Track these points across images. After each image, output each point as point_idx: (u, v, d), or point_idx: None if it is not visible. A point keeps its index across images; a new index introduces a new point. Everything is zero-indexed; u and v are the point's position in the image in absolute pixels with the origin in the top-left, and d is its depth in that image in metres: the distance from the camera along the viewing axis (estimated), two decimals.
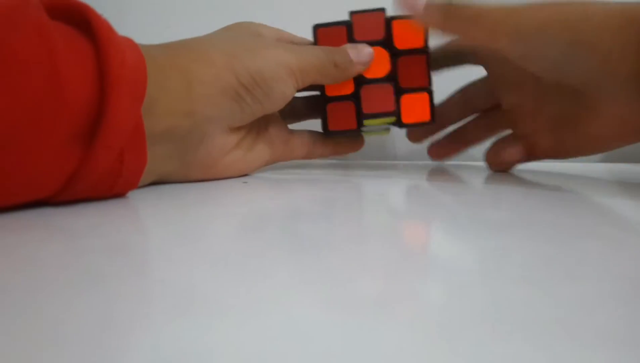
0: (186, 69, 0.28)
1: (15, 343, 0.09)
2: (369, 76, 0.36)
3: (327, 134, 0.36)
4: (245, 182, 0.31)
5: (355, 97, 0.36)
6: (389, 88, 0.36)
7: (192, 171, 0.30)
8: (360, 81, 0.36)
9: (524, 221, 0.22)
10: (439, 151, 0.41)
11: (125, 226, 0.20)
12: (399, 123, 0.36)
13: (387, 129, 0.41)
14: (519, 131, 0.37)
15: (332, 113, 0.36)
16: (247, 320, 0.11)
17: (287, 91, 0.32)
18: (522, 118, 0.36)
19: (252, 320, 0.11)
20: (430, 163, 0.44)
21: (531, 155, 0.37)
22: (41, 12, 0.20)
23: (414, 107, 0.36)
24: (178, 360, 0.09)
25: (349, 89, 0.36)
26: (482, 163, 0.46)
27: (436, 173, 0.39)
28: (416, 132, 0.41)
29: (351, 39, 0.36)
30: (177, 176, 0.30)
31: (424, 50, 0.36)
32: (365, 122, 0.36)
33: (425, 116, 0.36)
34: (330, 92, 0.36)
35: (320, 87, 0.36)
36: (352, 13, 0.36)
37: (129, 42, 0.24)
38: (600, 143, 0.34)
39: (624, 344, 0.10)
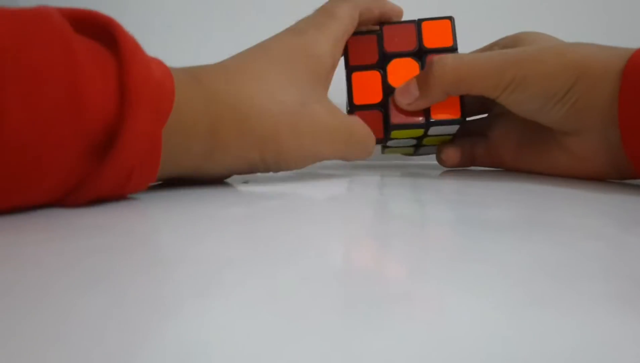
0: (217, 129, 0.27)
1: (18, 344, 0.09)
2: (397, 85, 0.36)
3: (352, 110, 0.36)
4: (246, 182, 0.31)
5: (383, 106, 0.36)
6: (414, 63, 0.36)
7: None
8: (389, 90, 0.36)
9: (525, 221, 0.22)
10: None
11: (127, 226, 0.20)
12: (427, 121, 0.36)
13: (412, 147, 0.41)
14: (490, 139, 0.40)
15: (357, 84, 0.36)
16: (252, 319, 0.11)
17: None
18: (499, 129, 0.39)
19: (257, 319, 0.11)
20: (423, 161, 0.44)
21: (490, 163, 0.41)
22: (65, 24, 0.20)
23: (444, 104, 0.36)
24: (182, 359, 0.09)
25: (377, 98, 0.36)
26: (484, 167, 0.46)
27: (436, 173, 0.39)
28: (450, 158, 0.41)
29: (381, 49, 0.36)
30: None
31: (452, 48, 0.37)
32: (393, 134, 0.36)
33: (456, 113, 0.36)
34: (357, 100, 0.36)
35: (348, 94, 0.37)
36: (383, 25, 0.37)
37: (156, 61, 0.23)
38: (563, 173, 0.36)
39: (625, 345, 0.10)
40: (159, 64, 0.23)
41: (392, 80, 0.36)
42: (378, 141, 0.36)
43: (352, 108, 0.37)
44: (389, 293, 0.13)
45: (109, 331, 0.10)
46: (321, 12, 0.34)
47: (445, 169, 0.43)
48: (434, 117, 0.36)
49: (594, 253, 0.16)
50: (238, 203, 0.25)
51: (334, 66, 0.34)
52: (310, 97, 0.31)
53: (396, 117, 0.36)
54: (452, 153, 0.41)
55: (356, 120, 0.34)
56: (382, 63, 0.37)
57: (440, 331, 0.10)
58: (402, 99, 0.36)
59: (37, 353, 0.09)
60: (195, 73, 0.28)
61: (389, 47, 0.36)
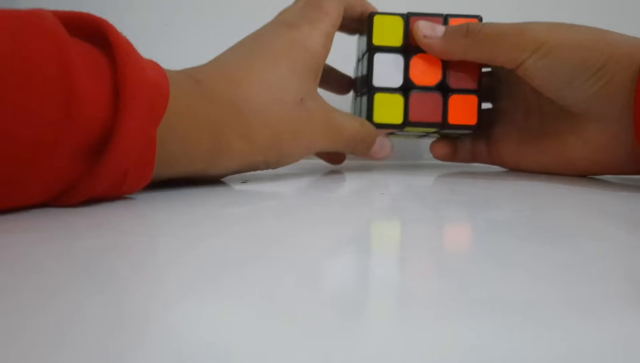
0: (222, 135, 0.27)
1: (17, 345, 0.09)
2: (419, 83, 0.36)
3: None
4: (245, 182, 0.31)
5: (405, 90, 0.36)
6: (437, 98, 0.36)
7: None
8: (410, 85, 0.36)
9: (526, 221, 0.21)
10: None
11: (124, 226, 0.20)
12: (444, 123, 0.36)
13: (417, 137, 0.42)
14: (490, 137, 0.40)
15: (379, 105, 0.36)
16: (251, 319, 0.11)
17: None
18: (500, 126, 0.39)
19: (256, 319, 0.11)
20: (422, 162, 0.44)
21: (490, 161, 0.40)
22: (58, 27, 0.20)
23: (462, 109, 0.36)
24: (181, 359, 0.09)
25: (399, 81, 0.36)
26: (482, 164, 0.46)
27: (436, 173, 0.39)
28: (440, 151, 0.41)
29: (407, 37, 0.36)
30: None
31: None
32: (407, 129, 0.37)
33: (472, 119, 0.36)
34: (377, 83, 0.36)
35: (368, 76, 0.36)
36: (410, 14, 0.36)
37: (151, 62, 0.23)
38: (573, 167, 0.35)
39: (627, 345, 0.10)
40: (154, 65, 0.23)
41: (414, 75, 0.36)
42: (396, 127, 0.36)
43: (372, 89, 0.36)
44: (388, 293, 0.13)
45: (108, 331, 0.10)
46: (310, 6, 0.33)
47: (443, 165, 0.43)
48: (452, 121, 0.36)
49: (597, 253, 0.16)
50: (237, 203, 0.25)
51: (324, 61, 0.34)
52: (307, 93, 0.31)
53: (415, 115, 0.36)
54: (441, 147, 0.41)
55: (348, 118, 0.34)
56: (406, 51, 0.36)
57: (443, 331, 0.10)
58: (423, 29, 0.35)
59: (36, 353, 0.09)
60: (193, 74, 0.27)
61: (415, 42, 0.36)
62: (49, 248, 0.16)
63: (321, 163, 0.44)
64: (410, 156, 0.51)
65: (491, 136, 0.40)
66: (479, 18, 0.36)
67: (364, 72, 0.37)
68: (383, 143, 0.37)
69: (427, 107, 0.36)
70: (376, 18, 0.35)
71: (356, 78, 0.41)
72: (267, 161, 0.30)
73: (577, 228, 0.20)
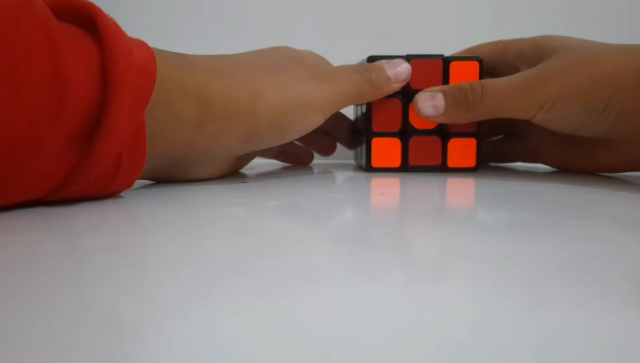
0: (207, 101, 0.27)
1: (14, 345, 0.09)
2: (418, 127, 0.36)
3: (368, 170, 0.37)
4: (245, 182, 0.31)
5: (401, 135, 0.36)
6: (436, 141, 0.36)
7: (184, 176, 0.30)
8: (409, 130, 0.36)
9: (526, 221, 0.21)
10: None
11: (124, 226, 0.20)
12: (443, 166, 0.37)
13: None
14: (528, 139, 0.41)
15: (377, 149, 0.36)
16: (247, 320, 0.11)
17: (310, 126, 0.32)
18: (537, 130, 0.38)
19: (253, 320, 0.11)
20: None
21: (527, 160, 0.42)
22: (46, 12, 0.20)
23: (461, 152, 0.37)
24: (180, 359, 0.09)
25: (396, 126, 0.36)
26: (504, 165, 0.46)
27: (435, 173, 0.39)
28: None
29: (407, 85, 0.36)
30: (169, 178, 0.30)
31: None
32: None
33: (471, 162, 0.37)
34: (377, 128, 0.36)
35: (366, 122, 0.36)
36: (410, 57, 0.36)
37: (139, 43, 0.23)
38: (604, 170, 0.37)
39: (628, 347, 0.10)
40: (142, 45, 0.23)
41: (413, 119, 0.36)
42: (394, 169, 0.37)
43: (370, 134, 0.36)
44: (389, 294, 0.12)
45: (108, 331, 0.10)
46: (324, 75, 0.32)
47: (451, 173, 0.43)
48: (451, 165, 0.37)
49: (598, 253, 0.16)
50: (236, 203, 0.25)
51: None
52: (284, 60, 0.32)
53: (415, 159, 0.36)
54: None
55: (341, 69, 0.34)
56: (405, 94, 0.36)
57: (446, 332, 0.10)
58: (424, 109, 0.35)
59: (36, 353, 0.09)
60: (182, 54, 0.28)
61: (414, 85, 0.36)
62: (49, 248, 0.16)
63: (321, 164, 0.44)
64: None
65: (528, 138, 0.41)
66: (480, 61, 0.36)
67: (362, 114, 0.37)
68: (391, 64, 0.35)
69: (426, 150, 0.36)
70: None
71: (356, 118, 0.41)
72: (257, 124, 0.28)
73: (577, 228, 0.20)
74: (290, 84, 0.30)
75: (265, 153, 0.40)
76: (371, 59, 0.35)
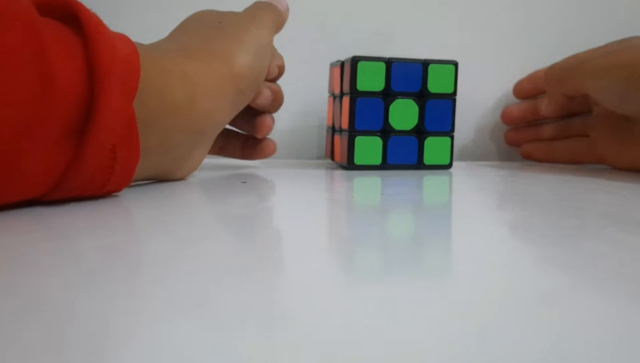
0: (191, 80, 0.28)
1: (16, 345, 0.09)
2: (397, 127, 0.39)
3: (350, 167, 0.39)
4: (244, 182, 0.31)
5: (382, 133, 0.39)
6: (414, 140, 0.39)
7: (178, 173, 0.30)
8: (389, 130, 0.39)
9: (526, 221, 0.21)
10: (515, 137, 0.50)
11: (122, 226, 0.20)
12: (419, 164, 0.40)
13: None
14: (592, 138, 0.45)
15: (359, 147, 0.38)
16: (244, 321, 0.11)
17: (268, 63, 0.33)
18: (600, 128, 0.44)
19: (250, 321, 0.11)
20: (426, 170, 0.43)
21: (591, 161, 0.45)
22: (31, 8, 0.20)
23: (436, 150, 0.40)
24: (180, 359, 0.09)
25: (377, 126, 0.38)
26: (482, 163, 0.46)
27: (435, 173, 0.39)
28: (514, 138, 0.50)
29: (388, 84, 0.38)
30: (165, 177, 0.30)
31: (451, 95, 0.39)
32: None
33: (446, 159, 0.40)
34: (360, 127, 0.38)
35: (350, 118, 0.38)
36: (392, 60, 0.38)
37: (121, 36, 0.23)
38: None
39: (630, 348, 0.10)
40: (124, 40, 0.23)
41: (393, 119, 0.38)
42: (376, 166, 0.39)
43: (353, 133, 0.38)
44: (389, 294, 0.12)
45: (107, 331, 0.10)
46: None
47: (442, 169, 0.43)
48: (427, 162, 0.39)
49: (597, 253, 0.16)
50: (236, 203, 0.25)
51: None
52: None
53: (393, 157, 0.39)
54: (535, 149, 0.48)
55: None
56: (386, 95, 0.38)
57: (450, 330, 0.10)
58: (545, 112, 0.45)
59: (35, 353, 0.09)
60: (149, 44, 0.29)
61: (396, 87, 0.38)
62: (49, 248, 0.16)
63: (320, 164, 0.44)
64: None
65: (592, 138, 0.44)
66: (455, 65, 0.39)
67: (342, 114, 0.39)
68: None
69: (404, 149, 0.39)
70: (360, 64, 0.37)
71: (334, 118, 0.43)
72: (239, 86, 0.30)
73: (578, 228, 0.20)
74: (244, 36, 0.32)
75: (228, 151, 0.40)
76: (355, 60, 0.37)
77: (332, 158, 0.42)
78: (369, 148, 0.38)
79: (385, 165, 0.39)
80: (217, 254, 0.16)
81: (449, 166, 0.40)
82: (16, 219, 0.20)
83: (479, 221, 0.22)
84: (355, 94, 0.38)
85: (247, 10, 0.35)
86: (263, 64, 0.33)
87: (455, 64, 0.39)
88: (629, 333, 0.10)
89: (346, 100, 0.38)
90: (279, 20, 0.36)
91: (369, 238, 0.18)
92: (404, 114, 0.38)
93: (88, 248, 0.16)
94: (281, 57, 0.37)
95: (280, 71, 0.37)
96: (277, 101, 0.37)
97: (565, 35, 0.51)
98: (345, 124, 0.38)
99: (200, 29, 0.33)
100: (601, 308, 0.12)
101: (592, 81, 0.39)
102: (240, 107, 0.32)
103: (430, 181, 0.35)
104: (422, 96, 0.39)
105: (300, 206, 0.25)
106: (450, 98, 0.39)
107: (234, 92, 0.30)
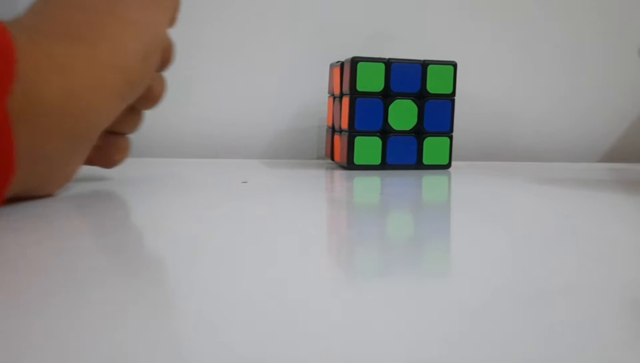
0: (67, 70, 0.22)
1: (16, 345, 0.09)
2: (396, 127, 0.39)
3: (349, 167, 0.39)
4: (245, 182, 0.31)
5: (382, 134, 0.39)
6: (413, 141, 0.39)
7: (47, 187, 0.24)
8: (388, 130, 0.39)
9: (526, 221, 0.21)
10: None
11: (120, 227, 0.20)
12: (418, 164, 0.40)
13: None
14: None
15: (359, 147, 0.38)
16: (244, 321, 0.11)
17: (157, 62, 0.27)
18: None
19: (249, 321, 0.11)
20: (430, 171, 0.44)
21: None
22: None
23: (435, 151, 0.40)
24: (181, 359, 0.09)
25: (376, 126, 0.38)
26: (482, 163, 0.46)
27: (433, 174, 0.39)
28: None
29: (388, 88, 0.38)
30: (31, 192, 0.23)
31: (450, 95, 0.39)
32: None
33: (445, 159, 0.40)
34: (359, 127, 0.38)
35: (350, 119, 0.38)
36: (391, 61, 0.38)
37: None
38: None
39: (631, 349, 0.10)
40: None
41: (392, 120, 0.38)
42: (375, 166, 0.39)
43: (352, 133, 0.38)
44: (389, 294, 0.13)
45: (107, 331, 0.10)
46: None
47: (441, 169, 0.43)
48: (426, 162, 0.39)
49: (597, 253, 0.16)
50: (235, 203, 0.25)
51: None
52: None
53: (393, 157, 0.39)
54: None
55: None
56: (385, 96, 0.38)
57: (449, 327, 0.10)
58: None
59: (35, 353, 0.09)
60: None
61: (395, 87, 0.38)
62: (49, 248, 0.16)
63: (320, 164, 0.44)
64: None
65: None
66: (454, 65, 0.39)
67: (341, 114, 0.40)
68: None
69: (403, 149, 0.39)
70: (360, 65, 0.37)
71: (333, 118, 0.43)
72: (127, 77, 0.24)
73: (579, 228, 0.20)
74: (137, 16, 0.25)
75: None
76: (354, 61, 0.37)
77: (332, 158, 0.42)
78: (369, 148, 0.38)
79: (384, 165, 0.39)
80: (216, 254, 0.16)
81: (448, 166, 0.40)
82: (18, 218, 0.20)
83: (478, 221, 0.22)
84: (355, 94, 0.38)
85: None
86: (158, 54, 0.26)
87: (454, 65, 0.39)
88: (628, 333, 0.10)
89: (346, 100, 0.38)
90: (177, 6, 0.28)
91: (368, 238, 0.18)
92: (403, 114, 0.39)
93: (90, 247, 0.16)
94: (170, 42, 0.28)
95: (165, 61, 0.28)
96: (155, 98, 0.29)
97: (565, 35, 0.51)
98: (345, 125, 0.39)
99: None
100: (601, 308, 0.12)
101: None
102: (128, 103, 0.26)
103: (430, 181, 0.35)
104: (421, 96, 0.39)
105: (300, 206, 0.25)
106: (449, 99, 0.39)
107: (122, 85, 0.24)
